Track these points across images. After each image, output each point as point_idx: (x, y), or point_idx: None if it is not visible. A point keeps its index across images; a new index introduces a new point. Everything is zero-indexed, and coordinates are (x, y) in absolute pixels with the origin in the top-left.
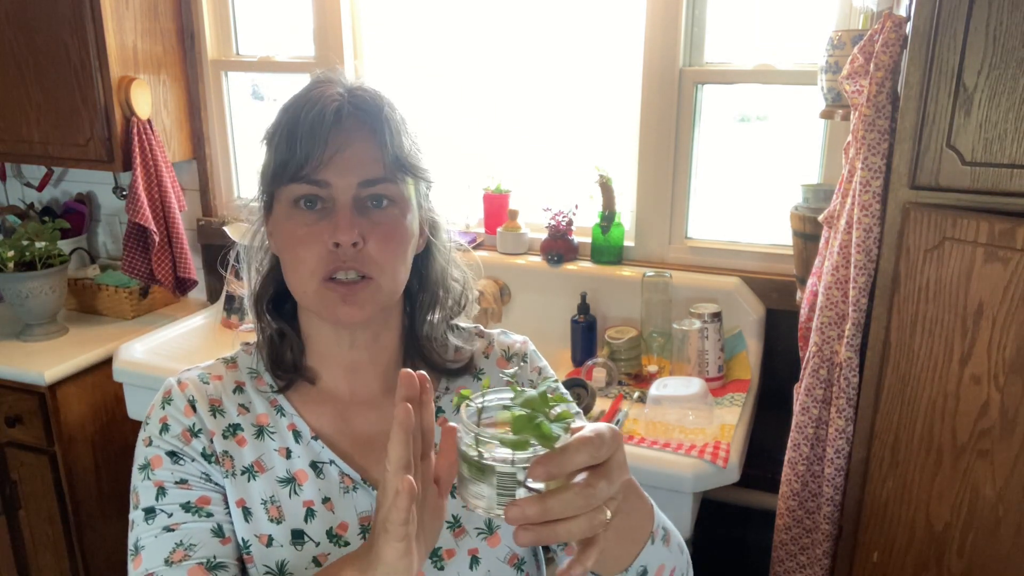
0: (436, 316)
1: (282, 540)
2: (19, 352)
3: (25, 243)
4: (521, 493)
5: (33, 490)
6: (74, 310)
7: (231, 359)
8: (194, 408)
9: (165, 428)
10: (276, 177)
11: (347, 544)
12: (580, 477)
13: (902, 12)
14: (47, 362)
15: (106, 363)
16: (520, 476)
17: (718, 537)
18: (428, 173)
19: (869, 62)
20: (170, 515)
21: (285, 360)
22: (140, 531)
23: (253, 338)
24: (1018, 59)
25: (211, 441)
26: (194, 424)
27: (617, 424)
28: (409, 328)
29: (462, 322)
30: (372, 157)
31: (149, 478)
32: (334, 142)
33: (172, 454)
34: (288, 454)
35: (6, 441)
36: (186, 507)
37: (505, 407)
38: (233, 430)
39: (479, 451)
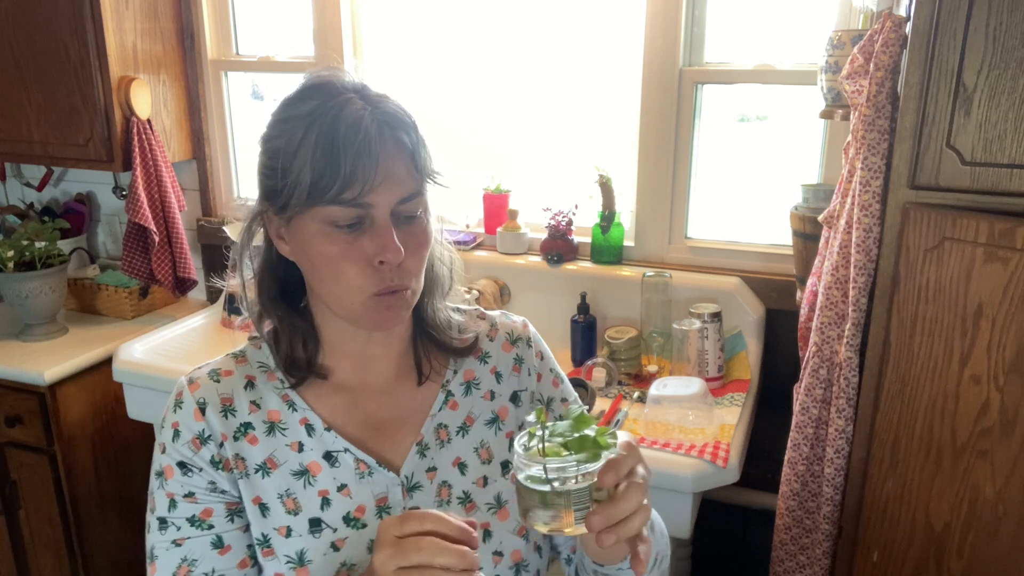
0: (436, 294)
1: (300, 530)
2: (19, 352)
3: (25, 243)
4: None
5: (33, 490)
6: (74, 310)
7: (240, 353)
8: (203, 412)
9: (176, 435)
10: (312, 197)
11: (364, 526)
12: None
13: (902, 12)
14: (47, 362)
15: (106, 363)
16: (595, 493)
17: (718, 537)
18: (444, 178)
19: (869, 62)
20: (179, 528)
21: (298, 357)
22: (155, 539)
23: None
24: (1018, 59)
25: (221, 446)
26: (203, 430)
27: (617, 424)
28: (417, 313)
29: (463, 305)
30: (408, 174)
31: (163, 487)
32: (382, 165)
33: (182, 465)
34: (300, 448)
35: (6, 441)
36: (191, 520)
37: (558, 442)
38: (244, 429)
39: (549, 481)
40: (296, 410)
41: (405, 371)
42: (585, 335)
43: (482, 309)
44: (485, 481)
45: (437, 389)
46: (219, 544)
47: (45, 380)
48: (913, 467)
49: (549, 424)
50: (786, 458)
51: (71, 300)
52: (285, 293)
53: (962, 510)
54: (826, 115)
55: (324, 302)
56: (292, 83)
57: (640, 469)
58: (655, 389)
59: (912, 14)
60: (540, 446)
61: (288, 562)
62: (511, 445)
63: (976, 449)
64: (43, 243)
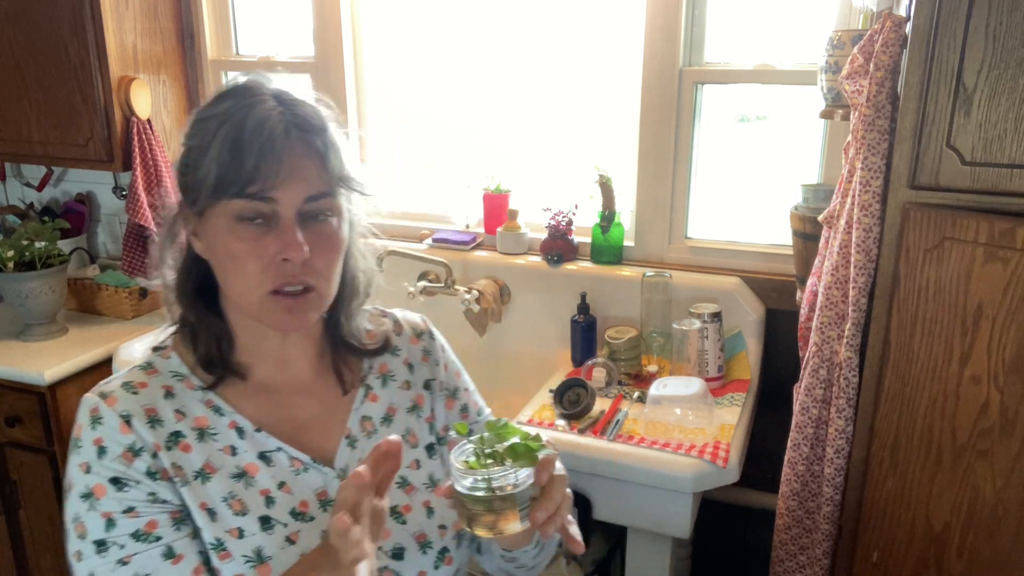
0: (352, 305)
1: (252, 529)
2: (19, 352)
3: (25, 243)
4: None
5: (33, 490)
6: (74, 310)
7: (147, 365)
8: (129, 424)
9: (103, 451)
10: (217, 191)
11: (312, 519)
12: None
13: (902, 12)
14: (47, 362)
15: (106, 363)
16: (530, 491)
17: (718, 537)
18: (364, 185)
19: (869, 62)
20: (122, 547)
21: (213, 356)
22: (93, 564)
23: (168, 342)
24: (1018, 59)
25: (155, 456)
26: (134, 442)
27: (616, 424)
28: (330, 318)
29: (366, 306)
30: (317, 174)
31: (95, 508)
32: (286, 162)
33: (115, 480)
34: (234, 451)
35: (6, 441)
36: (136, 536)
37: (490, 454)
38: (175, 438)
39: (492, 490)
40: (223, 414)
41: (323, 370)
42: (585, 335)
43: (383, 308)
44: (418, 464)
45: (356, 384)
46: (170, 554)
47: (45, 380)
48: (913, 467)
49: (475, 438)
50: (786, 458)
51: (71, 300)
52: (201, 292)
53: (962, 510)
54: (826, 115)
55: (231, 300)
56: (293, 83)
57: (558, 462)
58: (655, 389)
59: (912, 14)
60: (481, 460)
61: (247, 561)
62: (432, 431)
63: (976, 449)
64: (43, 243)
